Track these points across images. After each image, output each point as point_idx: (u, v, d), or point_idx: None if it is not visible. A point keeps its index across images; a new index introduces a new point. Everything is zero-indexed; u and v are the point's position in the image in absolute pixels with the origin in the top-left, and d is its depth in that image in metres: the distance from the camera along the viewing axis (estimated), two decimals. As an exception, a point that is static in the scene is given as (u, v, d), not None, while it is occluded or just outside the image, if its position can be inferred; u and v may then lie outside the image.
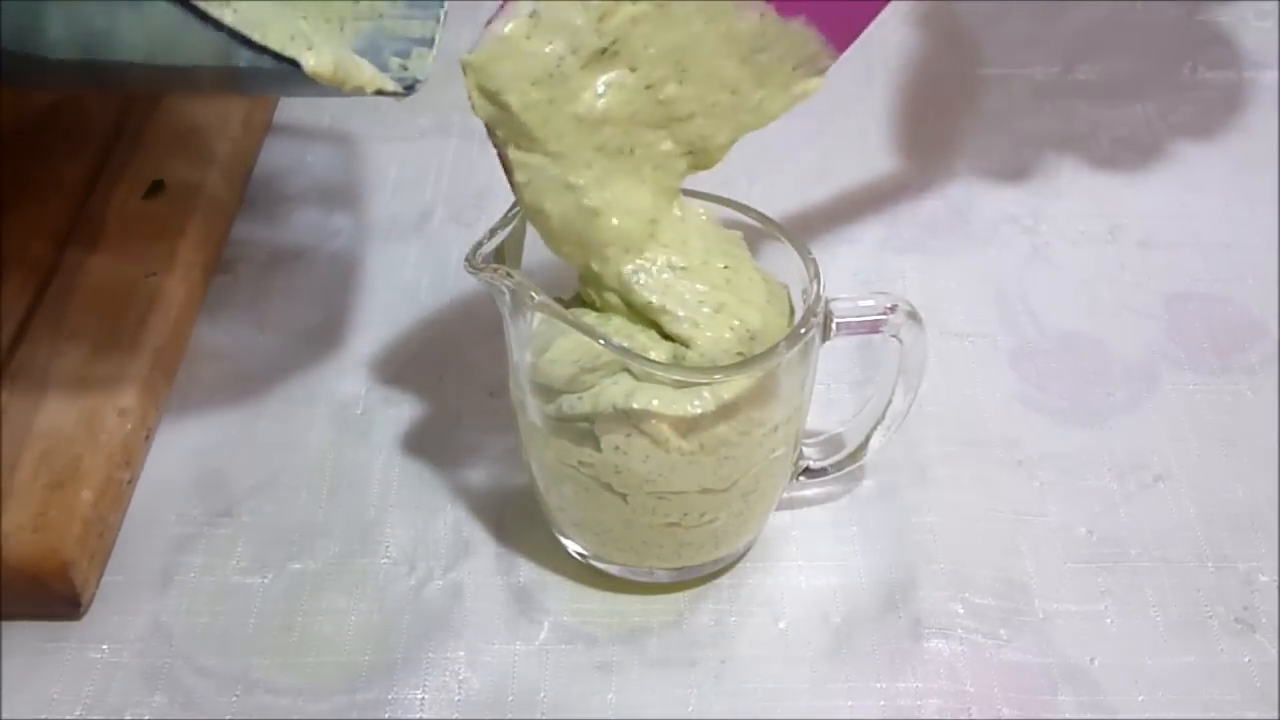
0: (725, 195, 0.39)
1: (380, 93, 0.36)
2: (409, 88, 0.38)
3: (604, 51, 0.35)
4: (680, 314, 0.36)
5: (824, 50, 0.37)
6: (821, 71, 0.38)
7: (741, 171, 0.38)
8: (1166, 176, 0.56)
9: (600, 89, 0.35)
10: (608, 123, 0.35)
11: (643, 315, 0.37)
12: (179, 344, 0.48)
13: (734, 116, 0.37)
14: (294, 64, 0.34)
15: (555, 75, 0.34)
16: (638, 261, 0.37)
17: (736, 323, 0.37)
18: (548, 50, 0.34)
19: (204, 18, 0.32)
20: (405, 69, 0.39)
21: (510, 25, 0.34)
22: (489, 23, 0.34)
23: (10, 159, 0.51)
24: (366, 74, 0.36)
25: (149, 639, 0.40)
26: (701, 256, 0.37)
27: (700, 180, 0.38)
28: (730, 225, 0.39)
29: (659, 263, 0.37)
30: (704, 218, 0.38)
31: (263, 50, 0.33)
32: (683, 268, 0.37)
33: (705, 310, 0.36)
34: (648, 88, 0.36)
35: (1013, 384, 0.48)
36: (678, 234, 0.37)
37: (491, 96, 0.34)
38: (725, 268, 0.38)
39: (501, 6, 0.34)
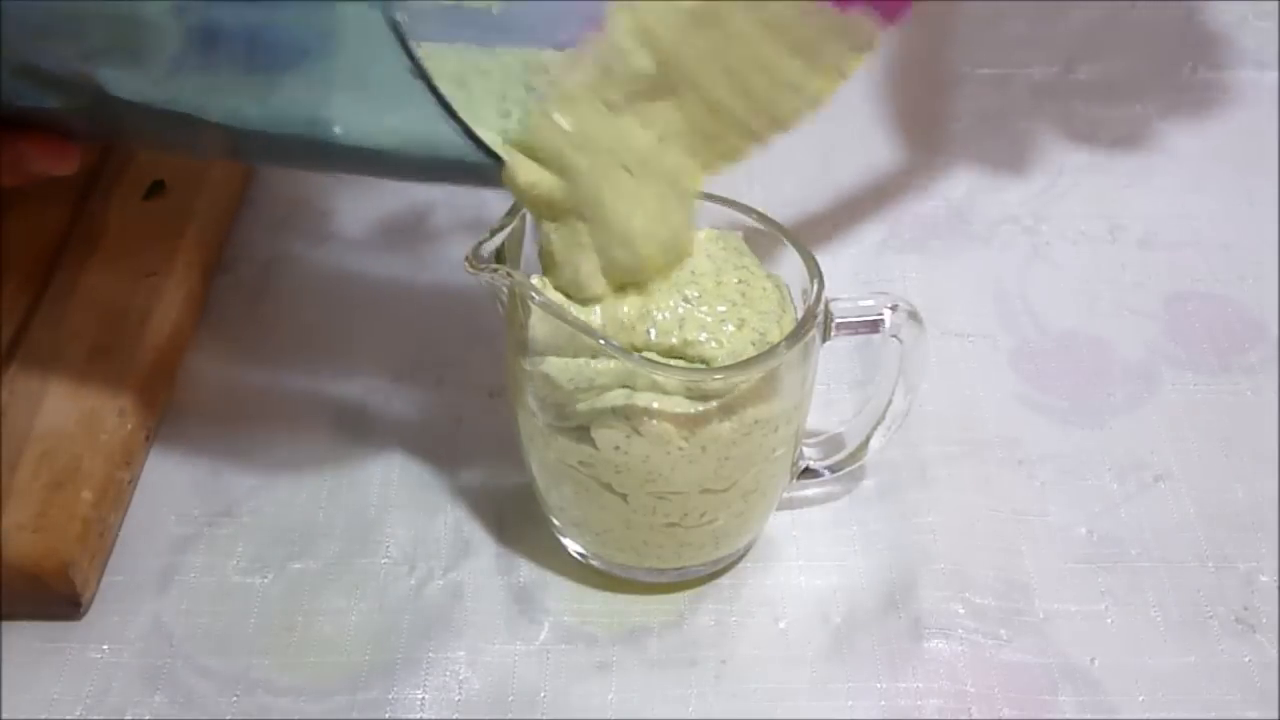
0: (726, 196, 0.39)
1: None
2: None
3: (667, 80, 0.35)
4: (703, 338, 0.36)
5: (878, 26, 0.37)
6: (873, 46, 0.38)
7: (742, 172, 0.38)
8: (1166, 176, 0.56)
9: (660, 111, 0.36)
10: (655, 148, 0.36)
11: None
12: (179, 344, 0.48)
13: (793, 110, 0.38)
14: (497, 159, 0.34)
15: (619, 110, 0.35)
16: (649, 310, 0.36)
17: (757, 336, 0.36)
18: (616, 98, 0.34)
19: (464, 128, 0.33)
20: None
21: (579, 79, 0.34)
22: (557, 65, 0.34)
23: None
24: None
25: (149, 639, 0.40)
26: (714, 278, 0.37)
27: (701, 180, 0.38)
28: (731, 226, 0.39)
29: (669, 303, 0.36)
30: (703, 235, 0.38)
31: (479, 146, 0.33)
32: (696, 296, 0.37)
33: (728, 328, 0.36)
34: (705, 102, 0.36)
35: (1013, 384, 0.48)
36: (685, 266, 0.37)
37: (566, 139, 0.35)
38: (739, 281, 0.38)
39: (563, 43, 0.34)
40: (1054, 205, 0.54)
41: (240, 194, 0.54)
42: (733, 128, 0.37)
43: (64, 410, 0.43)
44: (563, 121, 0.34)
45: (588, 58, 0.34)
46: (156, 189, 0.51)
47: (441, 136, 0.33)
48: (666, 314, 0.36)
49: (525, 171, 0.34)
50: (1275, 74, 0.60)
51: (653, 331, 0.36)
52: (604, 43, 0.34)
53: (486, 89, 0.33)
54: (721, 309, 0.37)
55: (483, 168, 0.34)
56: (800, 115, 0.38)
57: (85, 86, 0.33)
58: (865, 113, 0.59)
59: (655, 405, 0.35)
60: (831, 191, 0.55)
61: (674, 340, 0.36)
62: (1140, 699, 0.39)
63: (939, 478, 0.44)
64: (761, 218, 0.39)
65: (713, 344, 0.36)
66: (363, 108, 0.33)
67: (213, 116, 0.33)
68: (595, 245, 0.35)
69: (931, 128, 0.58)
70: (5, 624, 0.41)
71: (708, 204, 0.39)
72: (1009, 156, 0.57)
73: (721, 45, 0.35)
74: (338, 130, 0.33)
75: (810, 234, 0.52)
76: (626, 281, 0.36)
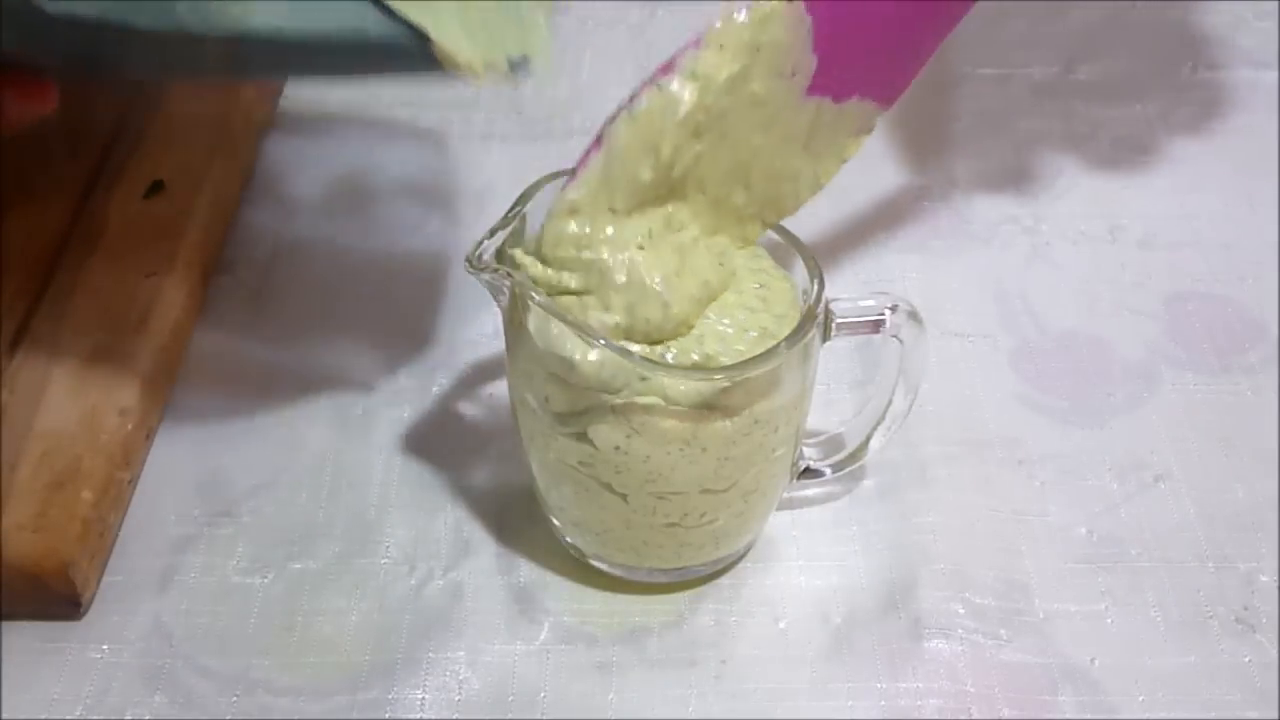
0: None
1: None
2: (516, 67, 0.38)
3: (671, 186, 0.36)
4: (719, 349, 0.36)
5: (876, 111, 0.39)
6: (872, 128, 0.39)
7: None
8: (1166, 176, 0.56)
9: (664, 220, 0.36)
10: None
11: None
12: (179, 344, 0.48)
13: (794, 197, 0.39)
14: (425, 37, 0.34)
15: (621, 227, 0.36)
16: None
17: (774, 344, 0.36)
18: (617, 208, 0.35)
19: None
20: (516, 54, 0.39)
21: (583, 188, 0.35)
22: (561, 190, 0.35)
23: (10, 159, 0.51)
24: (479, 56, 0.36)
25: (149, 639, 0.40)
26: (734, 295, 0.37)
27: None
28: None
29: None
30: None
31: (399, 21, 0.34)
32: (716, 310, 0.37)
33: (751, 335, 0.36)
34: (714, 204, 0.37)
35: (1013, 384, 0.48)
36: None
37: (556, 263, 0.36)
38: (759, 286, 0.38)
39: (573, 174, 0.35)
40: (1054, 205, 0.54)
41: (240, 194, 0.54)
42: (737, 220, 0.38)
43: (64, 410, 0.43)
44: (572, 225, 0.35)
45: (591, 170, 0.35)
46: (156, 188, 0.51)
47: (369, 19, 0.34)
48: (685, 340, 0.36)
49: (454, 46, 0.35)
50: (1275, 74, 0.60)
51: (672, 354, 0.36)
52: (605, 155, 0.35)
53: None
54: (742, 316, 0.37)
55: (414, 48, 0.34)
56: (803, 200, 0.39)
57: (20, 9, 0.33)
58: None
59: (655, 405, 0.35)
60: (831, 192, 0.54)
61: (695, 357, 0.36)
62: (1140, 699, 0.39)
63: (939, 478, 0.44)
64: (761, 218, 0.39)
65: (733, 355, 0.36)
66: None
67: (141, 22, 0.34)
68: (622, 306, 0.35)
69: (932, 128, 0.58)
70: (5, 624, 0.41)
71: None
72: (1009, 156, 0.57)
73: (721, 149, 0.36)
74: (258, 21, 0.34)
75: (810, 234, 0.51)
76: (654, 341, 0.36)
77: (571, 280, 0.35)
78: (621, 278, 0.35)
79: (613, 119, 0.35)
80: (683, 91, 0.34)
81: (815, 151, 0.38)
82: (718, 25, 0.34)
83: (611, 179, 0.35)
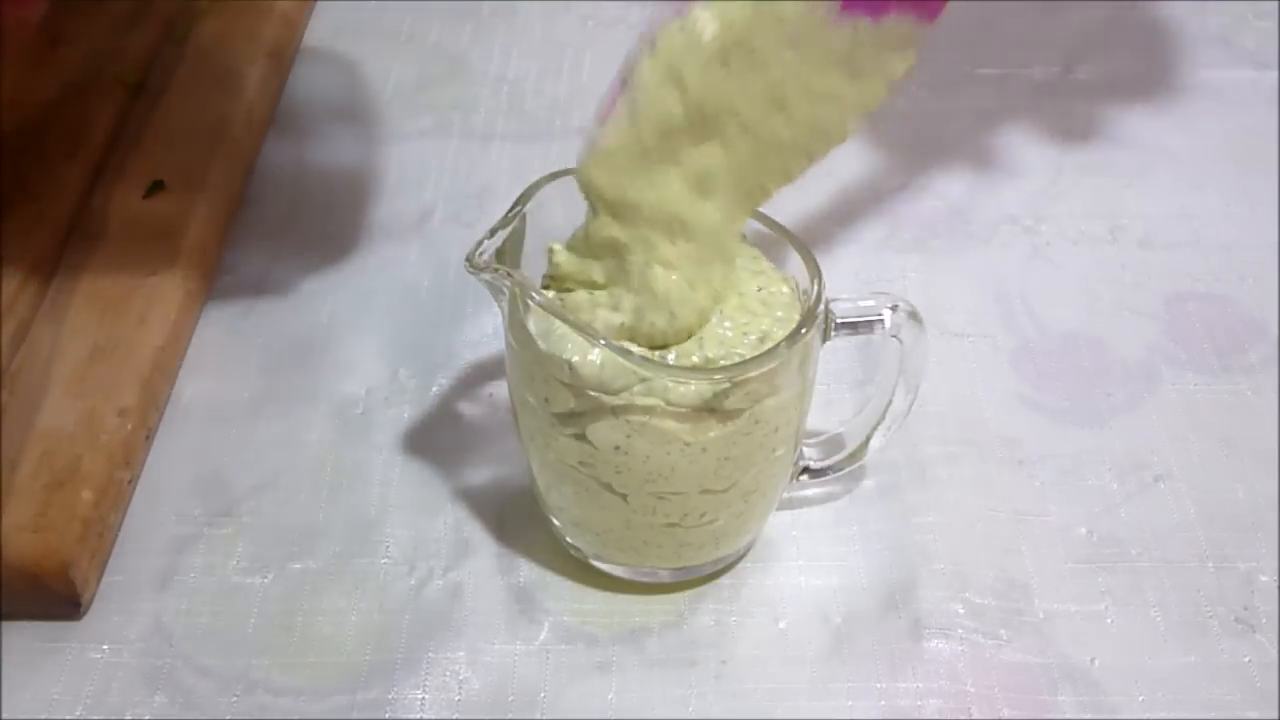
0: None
1: None
2: None
3: (705, 121, 0.35)
4: (720, 353, 0.36)
5: (918, 26, 0.36)
6: (917, 45, 0.37)
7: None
8: (1166, 176, 0.56)
9: (705, 154, 0.35)
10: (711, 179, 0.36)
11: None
12: (179, 344, 0.48)
13: (839, 122, 0.37)
14: None
15: (662, 161, 0.35)
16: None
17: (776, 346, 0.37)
18: (653, 145, 0.34)
19: None
20: None
21: (612, 133, 0.34)
22: (594, 129, 0.34)
23: (10, 159, 0.51)
24: None
25: (149, 639, 0.40)
26: (735, 299, 0.37)
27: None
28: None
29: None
30: None
31: None
32: (719, 313, 0.37)
33: (751, 338, 0.37)
34: (750, 132, 0.35)
35: (1013, 384, 0.48)
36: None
37: (610, 202, 0.35)
38: (760, 289, 0.38)
39: (603, 115, 0.34)
40: (1054, 205, 0.54)
41: (240, 193, 0.54)
42: (781, 152, 0.36)
43: (64, 410, 0.43)
44: (602, 177, 0.34)
45: (619, 113, 0.34)
46: (156, 188, 0.51)
47: None
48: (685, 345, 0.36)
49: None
50: (1275, 74, 0.60)
51: (672, 356, 0.36)
52: (631, 93, 0.34)
53: None
54: (743, 320, 0.37)
55: None
56: (851, 126, 0.37)
57: None
58: (865, 113, 0.59)
59: (655, 405, 0.35)
60: (831, 191, 0.55)
61: (695, 360, 0.36)
62: (1140, 699, 0.39)
63: (939, 478, 0.44)
64: (762, 218, 0.39)
65: (735, 359, 0.36)
66: None
67: None
68: (631, 308, 0.35)
69: (931, 127, 0.58)
70: (5, 624, 0.41)
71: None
72: (1009, 156, 0.57)
73: (753, 75, 0.35)
74: None
75: (810, 234, 0.52)
76: (655, 346, 0.36)
77: (596, 271, 0.35)
78: (637, 280, 0.35)
79: (635, 56, 0.33)
80: (704, 22, 0.33)
81: (857, 71, 0.36)
82: None
83: (639, 118, 0.34)
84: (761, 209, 0.39)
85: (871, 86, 0.37)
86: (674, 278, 0.35)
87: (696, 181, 0.36)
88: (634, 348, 0.36)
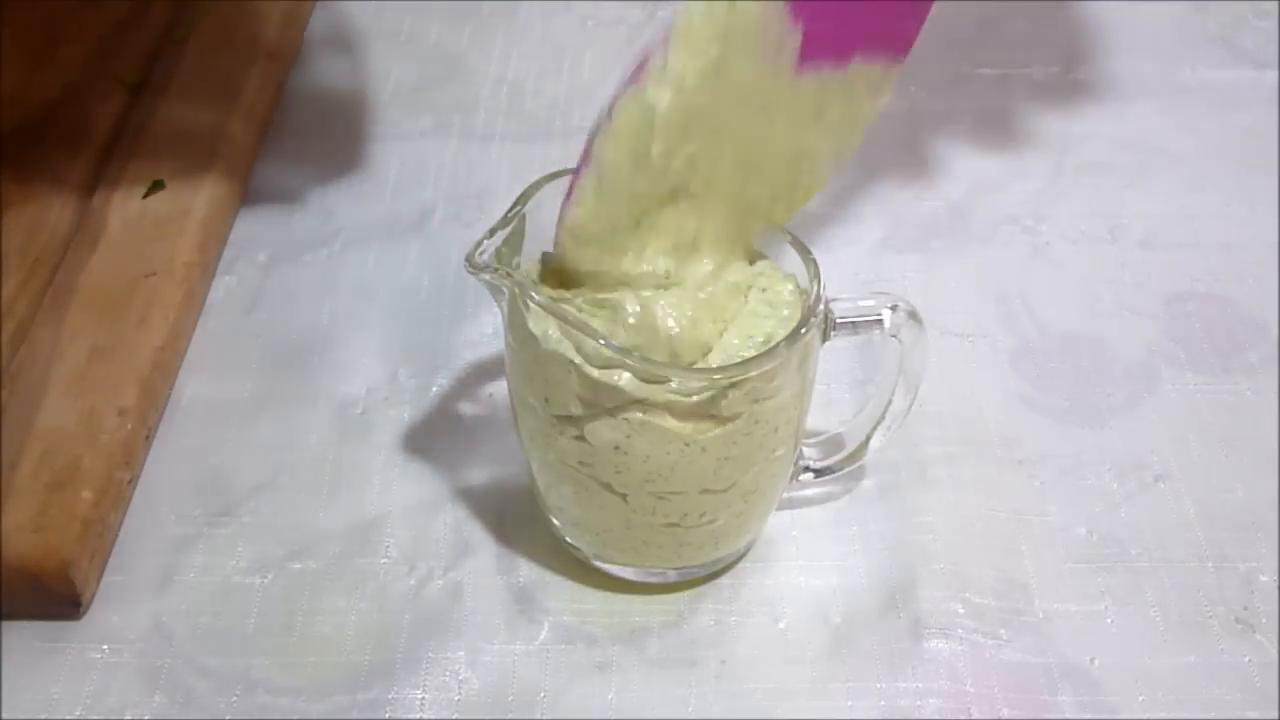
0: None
1: None
2: None
3: (674, 191, 0.35)
4: (722, 360, 0.36)
5: (889, 68, 0.37)
6: (888, 87, 0.37)
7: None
8: (1166, 176, 0.56)
9: (682, 218, 0.35)
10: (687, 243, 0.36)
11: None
12: (179, 344, 0.48)
13: (817, 175, 0.37)
14: None
15: (637, 231, 0.35)
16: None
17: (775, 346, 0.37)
18: (624, 219, 0.35)
19: None
20: None
21: (581, 213, 0.34)
22: (563, 209, 0.35)
23: (10, 159, 0.51)
24: None
25: (149, 639, 0.40)
26: (736, 310, 0.37)
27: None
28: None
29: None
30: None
31: None
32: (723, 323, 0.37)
33: (757, 340, 0.37)
34: (725, 195, 0.36)
35: (1013, 384, 0.48)
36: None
37: (591, 275, 0.35)
38: (764, 290, 0.38)
39: (568, 195, 0.35)
40: (1054, 205, 0.54)
41: (240, 193, 0.54)
42: (759, 209, 0.37)
43: (64, 410, 0.43)
44: (577, 254, 0.35)
45: (585, 190, 0.34)
46: (156, 188, 0.51)
47: None
48: None
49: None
50: (1275, 74, 0.60)
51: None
52: (595, 173, 0.34)
53: None
54: (747, 324, 0.37)
55: None
56: (828, 174, 0.37)
57: None
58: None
59: (655, 405, 0.35)
60: (831, 191, 0.55)
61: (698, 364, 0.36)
62: (1140, 699, 0.39)
63: (939, 478, 0.44)
64: (761, 218, 0.39)
65: (739, 359, 0.36)
66: None
67: None
68: (630, 344, 0.35)
69: (932, 128, 0.58)
70: (5, 624, 0.41)
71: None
72: (1009, 157, 0.57)
73: (719, 142, 0.35)
74: None
75: (810, 234, 0.51)
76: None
77: (595, 318, 0.35)
78: (632, 319, 0.35)
79: (596, 133, 0.34)
80: (657, 94, 0.33)
81: (831, 124, 0.36)
82: (680, 19, 0.33)
83: (606, 195, 0.34)
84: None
85: (846, 136, 0.37)
86: (670, 322, 0.35)
87: (678, 243, 0.36)
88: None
